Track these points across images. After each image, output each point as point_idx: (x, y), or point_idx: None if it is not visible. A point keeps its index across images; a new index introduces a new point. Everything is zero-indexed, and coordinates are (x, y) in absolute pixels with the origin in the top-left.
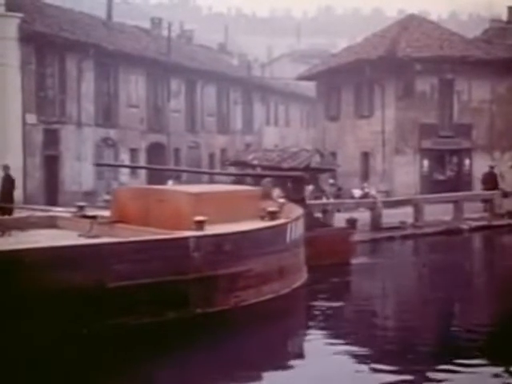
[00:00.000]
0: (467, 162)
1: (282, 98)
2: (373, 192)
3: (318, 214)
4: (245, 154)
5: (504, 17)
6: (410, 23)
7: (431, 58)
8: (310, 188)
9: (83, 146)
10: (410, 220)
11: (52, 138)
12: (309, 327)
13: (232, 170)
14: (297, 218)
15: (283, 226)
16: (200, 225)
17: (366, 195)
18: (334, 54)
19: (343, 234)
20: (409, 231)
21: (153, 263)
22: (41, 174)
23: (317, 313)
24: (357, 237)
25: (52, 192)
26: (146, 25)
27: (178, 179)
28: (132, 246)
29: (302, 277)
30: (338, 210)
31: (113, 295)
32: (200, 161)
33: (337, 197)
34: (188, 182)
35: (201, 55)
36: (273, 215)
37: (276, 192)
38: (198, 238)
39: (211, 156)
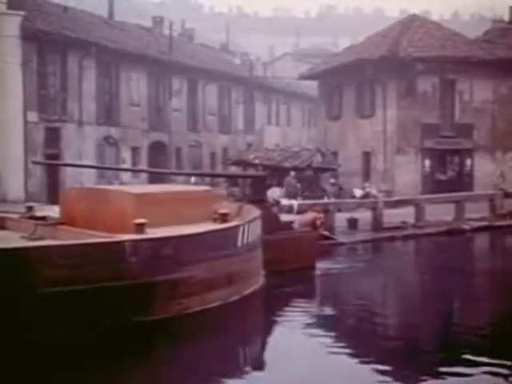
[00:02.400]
0: (468, 162)
1: (284, 97)
2: (374, 192)
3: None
4: (246, 154)
5: (506, 17)
6: (412, 23)
7: (433, 57)
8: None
9: (84, 144)
10: (412, 220)
11: (53, 137)
12: (256, 338)
13: (233, 169)
14: (251, 221)
15: (233, 228)
16: (140, 227)
17: (367, 195)
18: (335, 54)
19: (308, 237)
20: (410, 231)
21: (86, 268)
22: (42, 172)
23: (265, 322)
24: (358, 237)
25: (53, 190)
26: (148, 23)
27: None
28: (64, 250)
29: (257, 283)
30: (339, 210)
31: (43, 302)
32: (201, 160)
33: (337, 196)
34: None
35: (202, 54)
36: (224, 217)
37: (277, 192)
38: (134, 241)
39: (212, 155)
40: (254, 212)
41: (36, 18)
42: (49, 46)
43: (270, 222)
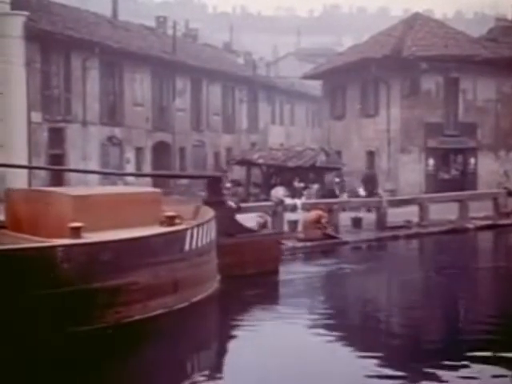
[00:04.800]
0: (472, 161)
1: (288, 96)
2: (378, 191)
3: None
4: (250, 153)
5: (509, 16)
6: (416, 22)
7: (436, 56)
8: (315, 187)
9: (88, 144)
10: (416, 219)
11: (57, 137)
12: (199, 348)
13: (237, 169)
14: (202, 224)
15: (179, 232)
16: (75, 232)
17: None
18: (339, 53)
19: (270, 239)
20: (414, 230)
21: (16, 276)
22: (46, 173)
23: (211, 331)
24: (362, 236)
25: None
26: (151, 23)
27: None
28: None
29: (209, 289)
30: (344, 209)
31: None
32: (205, 160)
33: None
34: None
35: (206, 54)
36: (171, 221)
37: (281, 191)
38: (67, 247)
39: (216, 155)
40: (208, 214)
41: (40, 19)
42: (52, 46)
43: (228, 225)
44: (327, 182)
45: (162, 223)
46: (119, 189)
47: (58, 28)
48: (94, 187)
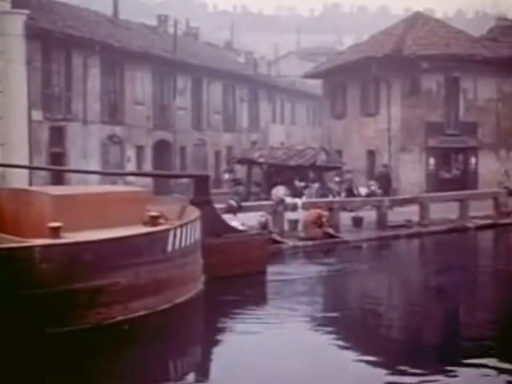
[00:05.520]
0: (473, 160)
1: (288, 95)
2: (379, 190)
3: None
4: (251, 152)
5: (510, 15)
6: (416, 21)
7: (437, 55)
8: (315, 186)
9: (89, 143)
10: (416, 218)
11: (58, 136)
12: (182, 352)
13: (238, 168)
14: (186, 224)
15: (162, 232)
16: (55, 232)
17: (372, 193)
18: (340, 52)
19: (257, 240)
20: (414, 229)
21: None
22: (47, 172)
23: (193, 334)
24: (362, 235)
25: None
26: (152, 22)
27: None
28: None
29: (193, 290)
30: (347, 209)
31: None
32: (206, 159)
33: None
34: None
35: (207, 53)
36: (155, 220)
37: (281, 190)
38: (45, 247)
39: (217, 154)
40: (193, 214)
41: (40, 17)
42: (53, 44)
43: (215, 225)
44: (346, 180)
45: (145, 223)
46: (103, 188)
47: (59, 26)
48: (77, 187)
